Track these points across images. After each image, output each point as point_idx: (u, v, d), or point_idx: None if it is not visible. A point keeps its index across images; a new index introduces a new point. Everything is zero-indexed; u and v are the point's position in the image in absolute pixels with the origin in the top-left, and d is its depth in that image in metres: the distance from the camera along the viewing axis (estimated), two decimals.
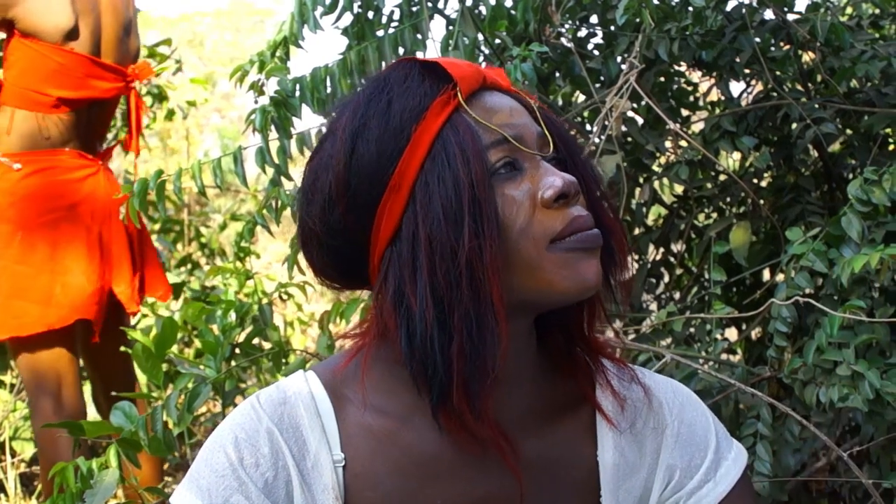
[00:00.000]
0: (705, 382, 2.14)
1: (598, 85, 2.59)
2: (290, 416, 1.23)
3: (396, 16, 2.59)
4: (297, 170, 2.51)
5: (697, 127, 2.86)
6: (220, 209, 6.45)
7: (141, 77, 3.28)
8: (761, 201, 2.64)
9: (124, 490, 2.77)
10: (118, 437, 2.06)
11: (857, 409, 1.93)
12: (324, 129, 2.18)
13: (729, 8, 2.57)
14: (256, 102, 2.44)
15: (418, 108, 1.15)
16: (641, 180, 2.72)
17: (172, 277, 4.73)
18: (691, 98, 2.84)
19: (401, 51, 2.50)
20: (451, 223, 1.10)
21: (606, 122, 2.25)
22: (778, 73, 2.58)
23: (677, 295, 2.90)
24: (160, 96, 4.84)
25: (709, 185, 2.77)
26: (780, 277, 2.28)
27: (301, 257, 2.26)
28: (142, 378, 3.30)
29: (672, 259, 2.92)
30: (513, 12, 2.60)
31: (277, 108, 2.37)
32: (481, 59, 2.60)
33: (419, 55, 2.49)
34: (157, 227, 5.03)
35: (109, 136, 3.54)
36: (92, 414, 3.73)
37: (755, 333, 2.79)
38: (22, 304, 2.97)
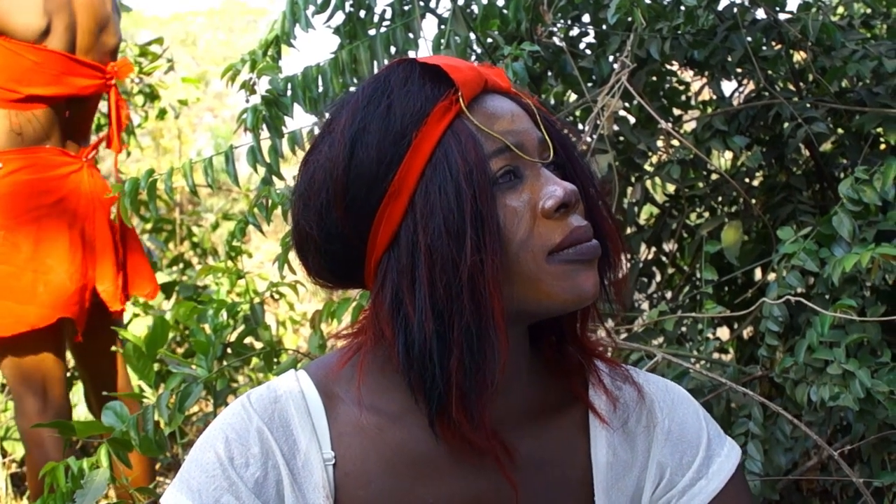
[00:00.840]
0: (697, 381, 2.14)
1: (589, 84, 2.59)
2: (280, 415, 1.23)
3: (388, 15, 2.59)
4: (289, 169, 2.52)
5: (689, 126, 2.86)
6: (212, 208, 6.45)
7: (120, 75, 3.26)
8: (753, 200, 2.64)
9: (115, 490, 2.76)
10: (109, 437, 2.06)
11: (847, 408, 1.94)
12: (317, 128, 2.16)
13: (720, 7, 2.58)
14: (248, 101, 2.44)
15: (419, 114, 1.13)
16: (633, 179, 2.73)
17: (164, 277, 4.72)
18: (683, 97, 2.84)
19: (392, 50, 2.50)
20: (453, 236, 1.09)
21: (598, 122, 2.25)
22: (769, 72, 2.58)
23: (669, 294, 2.91)
24: (152, 95, 4.84)
25: (700, 185, 2.77)
26: (771, 276, 2.28)
27: (293, 257, 2.26)
28: (134, 377, 3.29)
29: (664, 258, 2.92)
30: (504, 11, 2.60)
31: (269, 107, 2.37)
32: (473, 58, 2.60)
33: (411, 55, 2.49)
34: (148, 226, 5.03)
35: (97, 134, 3.52)
36: (84, 413, 3.72)
37: (747, 332, 2.80)
38: (5, 303, 2.95)
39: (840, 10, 3.01)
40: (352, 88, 2.46)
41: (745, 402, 2.09)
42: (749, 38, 2.48)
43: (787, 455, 2.14)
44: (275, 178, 2.41)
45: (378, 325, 1.16)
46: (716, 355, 2.62)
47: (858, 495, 2.23)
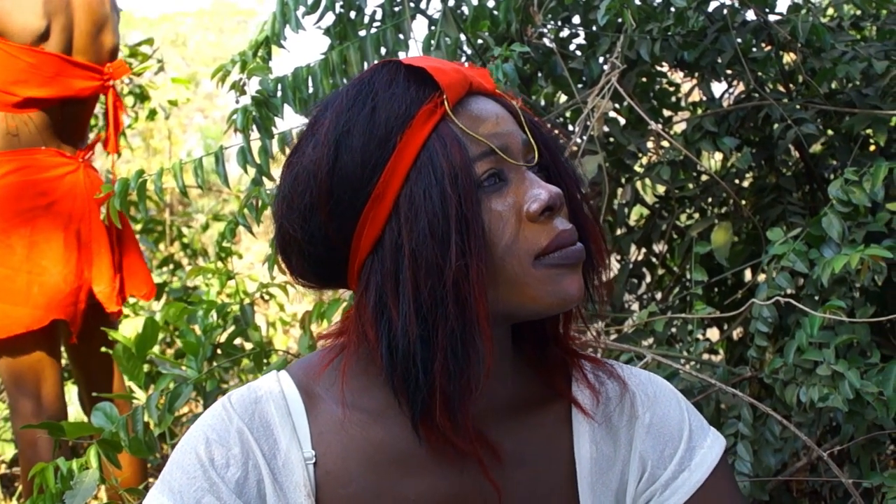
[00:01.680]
0: (686, 382, 2.14)
1: (580, 85, 2.60)
2: (260, 416, 1.23)
3: (378, 16, 2.59)
4: (279, 170, 2.51)
5: (679, 127, 2.87)
6: (202, 209, 6.44)
7: (117, 76, 3.26)
8: (743, 202, 2.64)
9: (106, 491, 2.76)
10: (98, 438, 2.05)
11: (837, 409, 1.94)
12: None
13: (710, 9, 2.58)
14: (238, 102, 2.44)
15: (404, 116, 1.12)
16: (623, 181, 2.73)
17: (154, 278, 4.71)
18: (673, 98, 2.85)
19: (383, 51, 2.50)
20: (438, 240, 1.09)
21: (588, 123, 2.26)
22: (759, 73, 2.59)
23: (659, 295, 2.91)
24: (142, 96, 4.83)
25: (690, 186, 2.77)
26: (761, 278, 2.28)
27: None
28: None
29: (654, 259, 2.92)
30: (495, 12, 2.60)
31: (259, 107, 2.37)
32: (463, 59, 2.60)
33: (402, 56, 2.49)
34: (138, 227, 5.02)
35: (91, 134, 3.51)
36: (78, 414, 3.72)
37: (736, 333, 2.80)
38: (0, 306, 2.95)
39: (830, 11, 3.02)
40: (340, 90, 2.46)
41: (734, 402, 2.09)
42: (739, 40, 2.48)
43: (777, 456, 2.14)
44: (265, 179, 2.41)
45: (361, 327, 1.15)
46: (705, 356, 2.62)
47: (848, 496, 2.24)
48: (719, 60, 2.52)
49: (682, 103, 2.85)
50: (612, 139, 2.64)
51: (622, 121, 2.68)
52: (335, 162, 1.13)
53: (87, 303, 3.11)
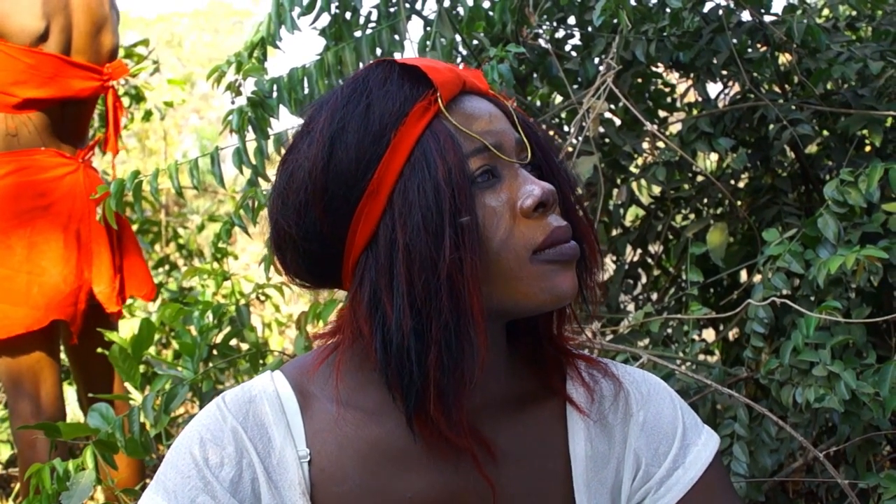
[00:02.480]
0: (682, 383, 2.14)
1: (575, 86, 2.60)
2: (255, 415, 1.23)
3: (374, 17, 2.59)
4: (275, 170, 2.51)
5: (675, 128, 2.87)
6: (198, 210, 6.44)
7: (116, 76, 3.25)
8: (738, 202, 2.64)
9: (104, 492, 2.76)
10: (95, 439, 2.05)
11: (833, 410, 1.94)
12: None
13: (706, 9, 2.58)
14: (234, 103, 2.44)
15: (398, 113, 1.13)
16: (619, 181, 2.73)
17: None
18: (668, 99, 2.85)
19: (378, 52, 2.50)
20: (432, 234, 1.09)
21: (584, 124, 2.26)
22: (755, 74, 2.59)
23: (654, 296, 2.91)
24: (138, 97, 4.83)
25: (686, 187, 2.78)
26: (756, 278, 2.28)
27: None
28: None
29: (649, 260, 2.92)
30: (490, 13, 2.60)
31: (254, 108, 2.37)
32: (459, 60, 2.60)
33: (397, 56, 2.49)
34: (134, 227, 5.01)
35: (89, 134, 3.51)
36: (77, 415, 3.71)
37: (732, 334, 2.80)
38: (0, 306, 2.95)
39: (825, 12, 3.02)
40: (336, 89, 2.46)
41: (730, 403, 2.09)
42: (734, 41, 2.49)
43: (773, 456, 2.14)
44: (260, 180, 2.41)
45: (356, 323, 1.16)
46: (701, 357, 2.63)
47: (844, 497, 2.24)
48: (715, 61, 2.52)
49: (678, 104, 2.85)
50: (607, 140, 2.64)
51: (618, 121, 2.68)
52: (330, 158, 1.14)
53: (87, 303, 3.11)
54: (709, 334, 3.04)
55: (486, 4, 2.64)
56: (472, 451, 1.17)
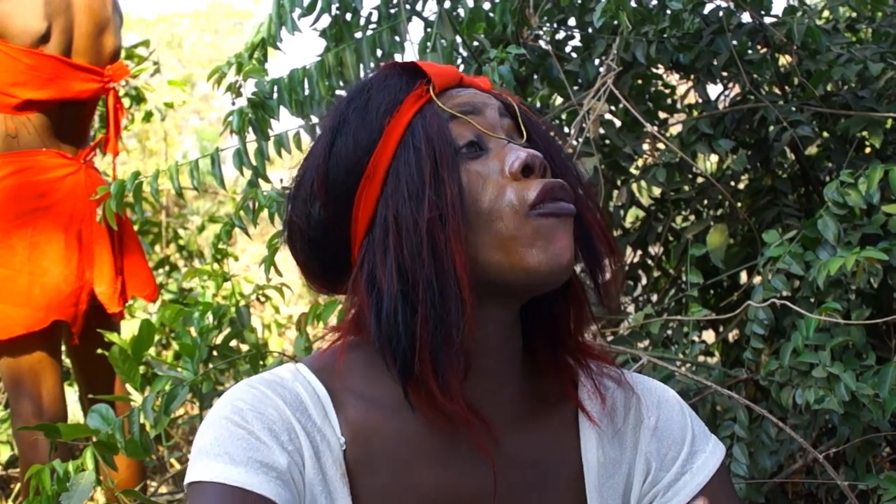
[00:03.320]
0: (682, 384, 2.14)
1: (575, 87, 2.60)
2: (292, 394, 1.20)
3: (374, 18, 2.59)
4: (275, 171, 2.51)
5: (675, 129, 2.86)
6: (198, 211, 6.44)
7: (116, 78, 3.25)
8: (738, 204, 2.64)
9: (104, 493, 2.76)
10: (95, 440, 2.05)
11: (832, 411, 1.94)
12: (303, 131, 2.26)
13: (706, 11, 2.58)
14: (234, 104, 2.44)
15: (393, 102, 1.18)
16: (619, 182, 2.73)
17: None
18: (669, 101, 2.85)
19: (378, 53, 2.50)
20: (414, 199, 1.12)
21: (584, 125, 2.26)
22: (755, 75, 2.59)
23: (654, 297, 2.91)
24: (138, 98, 4.83)
25: (686, 188, 2.77)
26: (756, 280, 2.28)
27: (279, 259, 2.26)
28: None
29: (649, 261, 2.92)
30: (491, 15, 2.60)
31: (255, 109, 2.37)
32: (459, 61, 2.60)
33: (397, 58, 2.50)
34: (134, 228, 5.01)
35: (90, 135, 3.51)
36: (78, 416, 3.71)
37: (732, 335, 2.80)
38: (1, 307, 2.95)
39: (825, 13, 3.02)
40: (338, 92, 2.47)
41: (730, 404, 2.09)
42: (734, 42, 2.49)
43: (773, 458, 2.14)
44: (261, 181, 2.41)
45: (358, 305, 1.18)
46: (701, 358, 2.63)
47: (843, 498, 2.24)
48: (715, 63, 2.52)
49: (678, 105, 2.85)
50: (607, 141, 2.64)
51: (618, 123, 2.68)
52: (331, 148, 1.20)
53: (89, 304, 3.11)
54: (709, 336, 3.04)
55: (487, 6, 2.64)
56: (467, 418, 1.15)
